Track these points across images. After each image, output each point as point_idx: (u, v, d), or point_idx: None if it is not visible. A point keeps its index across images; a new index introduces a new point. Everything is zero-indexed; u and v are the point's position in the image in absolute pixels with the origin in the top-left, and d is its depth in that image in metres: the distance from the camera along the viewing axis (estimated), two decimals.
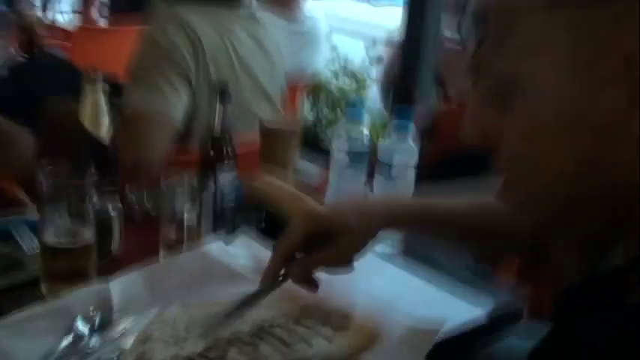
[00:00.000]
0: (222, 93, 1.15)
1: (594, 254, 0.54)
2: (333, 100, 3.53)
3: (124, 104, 1.39)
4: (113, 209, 0.93)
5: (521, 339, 0.95)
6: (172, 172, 1.29)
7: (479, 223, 0.90)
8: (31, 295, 0.93)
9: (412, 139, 1.21)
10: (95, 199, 0.93)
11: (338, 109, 3.52)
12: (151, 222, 1.13)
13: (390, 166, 1.20)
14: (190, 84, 1.45)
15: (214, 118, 1.16)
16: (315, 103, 3.49)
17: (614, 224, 0.50)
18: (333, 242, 0.85)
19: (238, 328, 0.87)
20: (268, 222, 1.19)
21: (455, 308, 1.01)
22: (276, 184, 1.31)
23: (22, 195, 1.15)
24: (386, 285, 1.07)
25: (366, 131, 1.25)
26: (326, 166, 1.34)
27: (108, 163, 1.03)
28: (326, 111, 3.54)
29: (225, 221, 1.11)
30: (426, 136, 2.04)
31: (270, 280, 0.88)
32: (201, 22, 1.49)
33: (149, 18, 1.52)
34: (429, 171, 1.60)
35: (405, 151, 1.21)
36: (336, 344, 0.87)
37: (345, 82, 3.64)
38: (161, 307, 0.92)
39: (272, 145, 1.40)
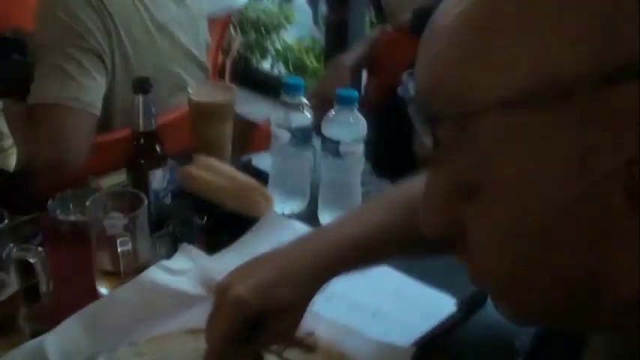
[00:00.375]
0: (141, 86, 1.01)
1: None
2: (261, 24, 3.35)
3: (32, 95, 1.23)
4: (33, 255, 0.81)
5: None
6: (95, 173, 1.17)
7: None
8: None
9: (357, 109, 1.11)
10: (12, 245, 0.81)
11: (265, 33, 3.36)
12: (81, 236, 1.01)
13: (337, 142, 1.10)
14: (104, 62, 1.29)
15: (136, 115, 1.02)
16: (242, 33, 3.31)
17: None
18: (269, 325, 0.71)
19: None
20: (213, 219, 1.09)
21: (433, 300, 0.96)
22: (215, 169, 1.20)
23: None
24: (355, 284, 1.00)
25: (307, 107, 1.14)
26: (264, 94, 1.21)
27: (14, 189, 0.90)
28: (254, 36, 3.37)
29: (164, 234, 1.01)
30: (368, 69, 1.94)
31: None
32: None
33: None
34: (376, 112, 1.51)
35: (351, 124, 1.10)
36: None
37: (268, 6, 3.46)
38: (107, 353, 0.83)
39: (204, 121, 1.28)
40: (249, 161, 1.32)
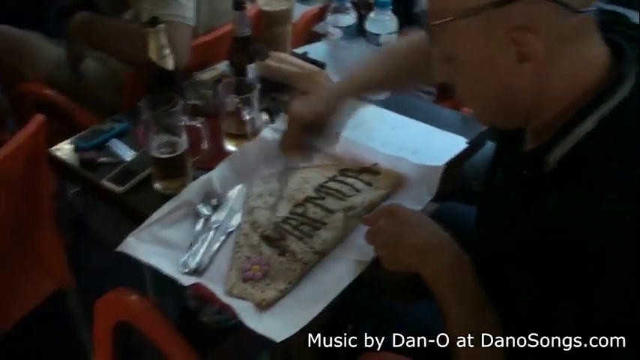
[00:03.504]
0: (239, 4, 1.42)
1: None
2: None
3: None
4: (200, 122, 1.26)
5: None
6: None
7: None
8: (150, 189, 1.29)
9: (391, 10, 1.53)
10: (184, 117, 1.26)
11: None
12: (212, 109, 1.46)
13: (377, 35, 1.52)
14: None
15: (237, 24, 1.44)
16: None
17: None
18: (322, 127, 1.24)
19: (306, 192, 1.26)
20: (291, 97, 1.53)
21: (448, 140, 1.41)
22: (286, 60, 1.63)
23: None
24: (391, 129, 1.45)
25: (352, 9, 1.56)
26: None
27: (173, 84, 1.34)
28: None
29: (263, 108, 1.45)
30: None
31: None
32: None
33: None
34: None
35: (386, 21, 1.53)
36: (375, 187, 1.28)
37: None
38: (246, 183, 1.31)
39: (271, 24, 1.69)
40: (306, 53, 1.74)
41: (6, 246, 1.50)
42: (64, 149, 1.44)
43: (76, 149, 1.43)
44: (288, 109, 1.23)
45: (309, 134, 1.22)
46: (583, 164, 0.83)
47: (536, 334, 0.86)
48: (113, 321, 1.27)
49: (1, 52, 1.94)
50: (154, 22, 1.28)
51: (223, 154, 1.36)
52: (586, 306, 0.81)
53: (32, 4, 2.18)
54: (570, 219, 0.81)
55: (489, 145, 1.50)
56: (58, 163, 1.43)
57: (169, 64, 1.32)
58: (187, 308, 2.02)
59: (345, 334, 1.20)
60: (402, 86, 1.39)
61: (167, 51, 1.31)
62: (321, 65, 1.63)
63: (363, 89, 1.28)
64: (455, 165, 1.37)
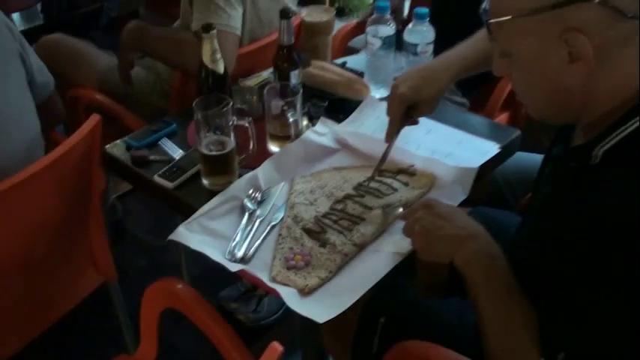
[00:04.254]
0: (285, 14, 1.50)
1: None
2: None
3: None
4: (247, 122, 1.35)
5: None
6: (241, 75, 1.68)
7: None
8: (199, 186, 1.38)
9: (429, 21, 1.60)
10: (234, 117, 1.34)
11: None
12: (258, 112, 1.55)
13: (415, 45, 1.60)
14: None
15: (282, 33, 1.52)
16: None
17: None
18: (419, 108, 1.38)
19: (346, 190, 1.33)
20: (331, 103, 1.61)
21: (481, 145, 1.47)
22: (326, 68, 1.71)
23: None
24: (426, 134, 1.52)
25: (392, 20, 1.63)
26: None
27: (224, 87, 1.43)
28: None
29: (304, 112, 1.53)
30: None
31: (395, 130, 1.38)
32: None
33: None
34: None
35: (424, 32, 1.60)
36: (411, 187, 1.35)
37: None
38: (288, 181, 1.38)
39: (314, 35, 1.78)
40: (345, 62, 1.82)
41: (59, 240, 1.59)
42: (117, 147, 1.53)
43: (128, 148, 1.52)
44: (392, 87, 1.38)
45: (407, 104, 1.36)
46: (628, 158, 0.90)
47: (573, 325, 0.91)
48: (161, 308, 1.35)
49: (56, 57, 2.05)
50: (208, 28, 1.37)
51: (266, 155, 1.44)
52: (630, 290, 0.86)
53: (82, 15, 2.30)
54: (616, 206, 0.87)
55: (520, 155, 1.55)
56: (111, 161, 1.52)
57: (221, 67, 1.41)
58: (223, 309, 2.11)
59: (378, 329, 1.26)
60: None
61: (219, 55, 1.40)
62: (359, 74, 1.71)
63: (459, 71, 1.39)
64: (485, 170, 1.43)
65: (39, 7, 2.31)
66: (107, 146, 1.53)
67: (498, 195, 1.61)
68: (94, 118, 1.51)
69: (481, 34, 1.38)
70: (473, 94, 2.04)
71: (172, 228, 1.25)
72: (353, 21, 2.38)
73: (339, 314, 1.07)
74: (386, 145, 1.37)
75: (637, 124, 0.90)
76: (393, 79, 1.42)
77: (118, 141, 1.55)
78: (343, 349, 1.37)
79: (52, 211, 1.53)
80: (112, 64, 2.07)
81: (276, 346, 0.93)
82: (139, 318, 1.37)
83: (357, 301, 1.11)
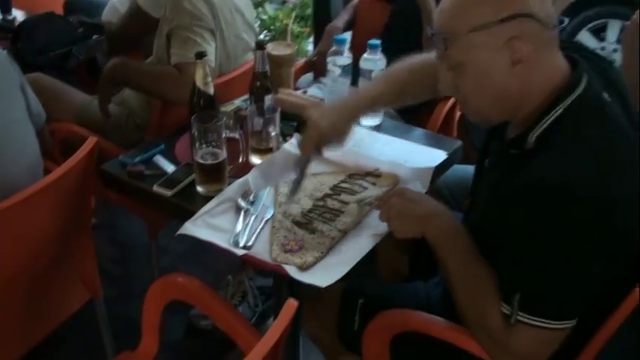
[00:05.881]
0: (259, 45, 1.74)
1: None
2: None
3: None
4: (238, 135, 1.56)
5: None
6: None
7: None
8: (194, 192, 1.57)
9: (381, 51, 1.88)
10: (226, 131, 1.55)
11: None
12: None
13: (370, 71, 1.86)
14: (213, 34, 2.00)
15: (257, 61, 1.76)
16: None
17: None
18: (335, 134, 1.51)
19: (323, 191, 1.56)
20: (299, 123, 1.85)
21: (431, 153, 1.74)
22: (291, 94, 1.95)
23: None
24: (383, 145, 1.77)
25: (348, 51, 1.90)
26: None
27: (214, 106, 1.64)
28: None
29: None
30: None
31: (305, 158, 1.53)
32: None
33: None
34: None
35: (377, 60, 1.87)
36: (379, 185, 1.59)
37: None
38: (273, 185, 1.60)
39: (279, 66, 2.02)
40: (306, 90, 2.06)
41: (54, 256, 1.72)
42: (111, 165, 1.71)
43: (123, 166, 1.69)
44: (307, 118, 1.51)
45: (325, 139, 1.51)
46: (555, 138, 1.16)
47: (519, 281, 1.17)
48: (166, 301, 1.51)
49: (37, 93, 2.21)
50: (200, 55, 1.59)
51: (250, 166, 1.65)
52: (557, 238, 1.12)
53: (52, 57, 2.46)
54: (544, 178, 1.12)
55: (456, 167, 1.82)
56: (108, 178, 1.69)
57: (211, 89, 1.62)
58: (193, 327, 2.26)
59: (357, 308, 1.49)
60: (406, 99, 1.64)
61: (210, 79, 1.62)
62: (321, 99, 1.95)
63: (373, 103, 1.55)
64: (440, 170, 1.70)
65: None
66: (103, 165, 1.70)
67: (444, 202, 1.88)
68: (91, 141, 1.68)
69: (391, 72, 1.59)
70: (412, 119, 2.32)
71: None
72: (302, 60, 2.65)
73: (320, 297, 1.28)
74: (355, 152, 1.61)
75: (560, 111, 1.17)
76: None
77: (112, 161, 1.72)
78: (322, 328, 1.58)
79: (49, 228, 1.66)
80: (86, 100, 2.24)
81: (292, 302, 1.12)
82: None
83: (337, 286, 1.32)
